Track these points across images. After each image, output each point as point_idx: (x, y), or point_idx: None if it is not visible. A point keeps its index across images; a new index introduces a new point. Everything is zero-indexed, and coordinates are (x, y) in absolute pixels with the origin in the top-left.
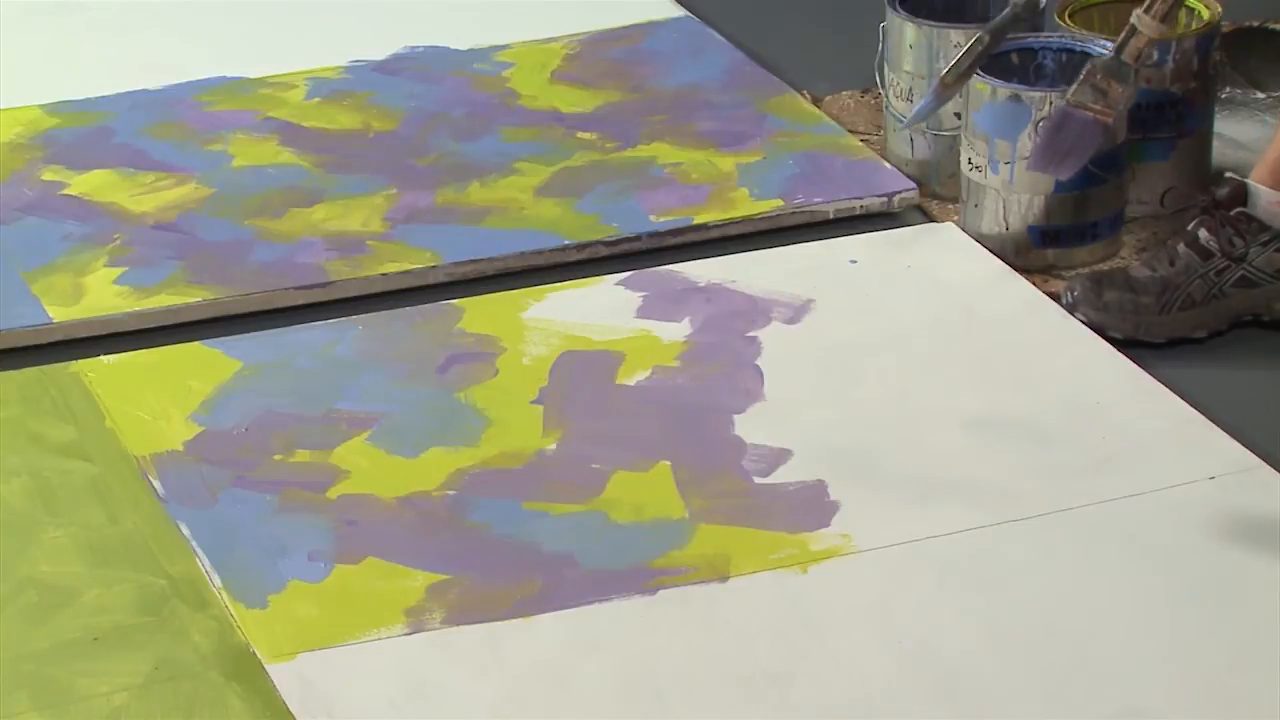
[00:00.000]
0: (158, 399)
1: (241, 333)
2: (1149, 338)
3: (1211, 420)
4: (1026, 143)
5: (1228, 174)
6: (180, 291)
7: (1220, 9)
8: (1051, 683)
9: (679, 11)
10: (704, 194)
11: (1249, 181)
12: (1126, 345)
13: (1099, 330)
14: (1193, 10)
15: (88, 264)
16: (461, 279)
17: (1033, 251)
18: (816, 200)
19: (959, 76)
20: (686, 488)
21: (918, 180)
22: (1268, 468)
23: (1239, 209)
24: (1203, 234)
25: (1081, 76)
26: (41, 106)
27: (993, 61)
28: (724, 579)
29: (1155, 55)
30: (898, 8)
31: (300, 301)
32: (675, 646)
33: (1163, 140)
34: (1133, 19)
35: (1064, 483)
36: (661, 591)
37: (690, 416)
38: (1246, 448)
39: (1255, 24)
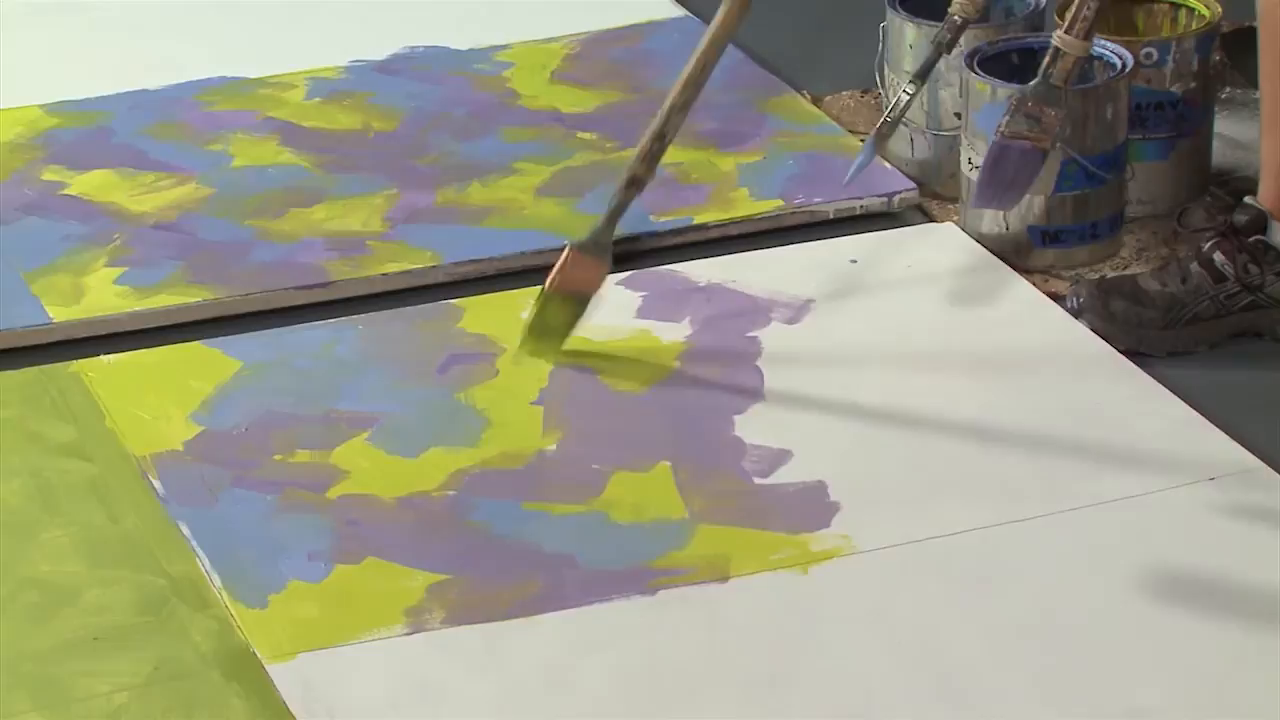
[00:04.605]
0: (158, 399)
1: (241, 333)
2: (1150, 350)
3: (1211, 421)
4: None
5: (1247, 199)
6: (180, 291)
7: (1220, 9)
8: (1051, 683)
9: (679, 11)
10: (704, 194)
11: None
12: (1126, 352)
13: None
14: (1193, 10)
15: (88, 264)
16: (461, 279)
17: (1033, 251)
18: (816, 200)
19: (894, 125)
20: (686, 488)
21: (918, 180)
22: (1268, 469)
23: (1257, 236)
24: (1218, 256)
25: (1013, 106)
26: (41, 106)
27: (993, 61)
28: (724, 579)
29: (1155, 55)
30: (898, 8)
31: (300, 301)
32: (675, 646)
33: (1163, 140)
34: (1054, 40)
35: (1064, 483)
36: (661, 591)
37: (690, 416)
38: (1246, 449)
39: (1255, 24)
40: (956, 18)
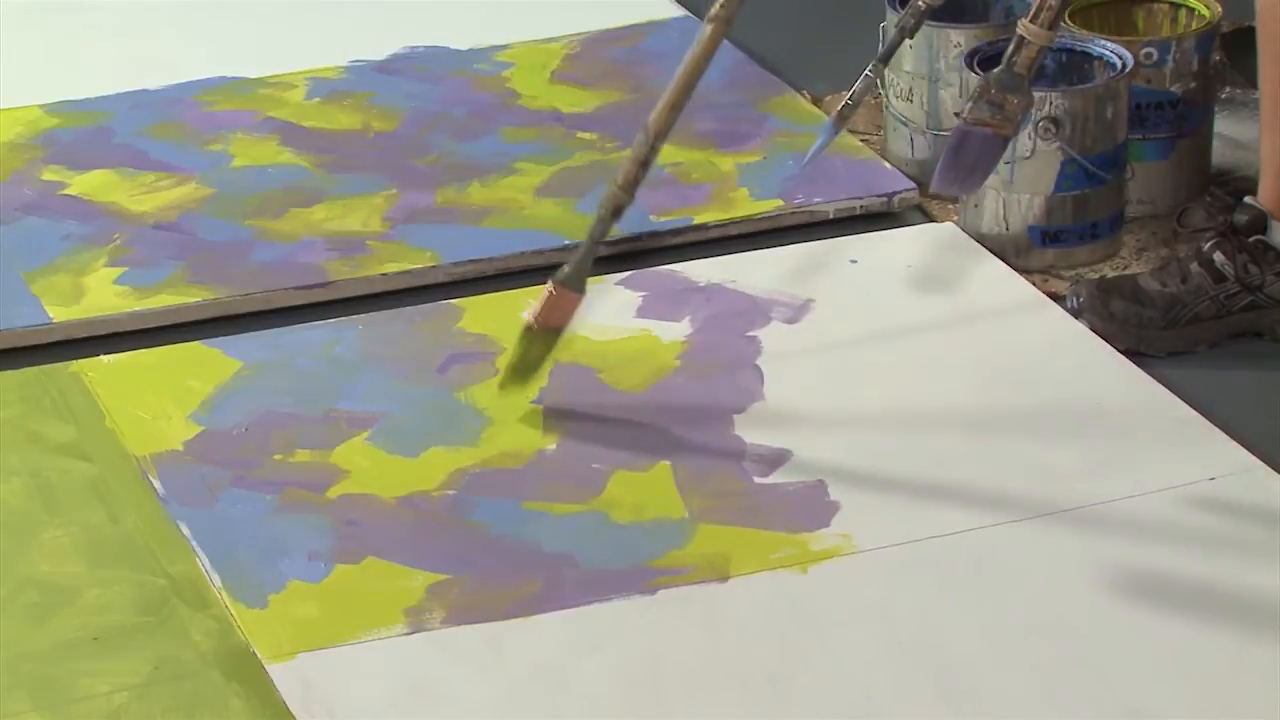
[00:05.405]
0: (158, 399)
1: (241, 333)
2: (1150, 350)
3: (1211, 421)
4: (1026, 142)
5: (1247, 199)
6: (180, 291)
7: (1220, 9)
8: (1051, 683)
9: (679, 11)
10: (704, 194)
11: (1266, 209)
12: (1126, 352)
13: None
14: (1193, 10)
15: (88, 264)
16: (461, 279)
17: (1033, 251)
18: (816, 200)
19: (854, 108)
20: (686, 488)
21: (918, 180)
22: (1267, 469)
23: (1257, 237)
24: (1218, 257)
25: (976, 93)
26: (41, 106)
27: (992, 61)
28: (724, 579)
29: (1155, 55)
30: (898, 8)
31: (300, 301)
32: (675, 646)
33: (1163, 140)
34: (1019, 29)
35: (1064, 483)
36: (661, 591)
37: (690, 416)
38: (1245, 449)
39: (1255, 24)
40: (920, 3)
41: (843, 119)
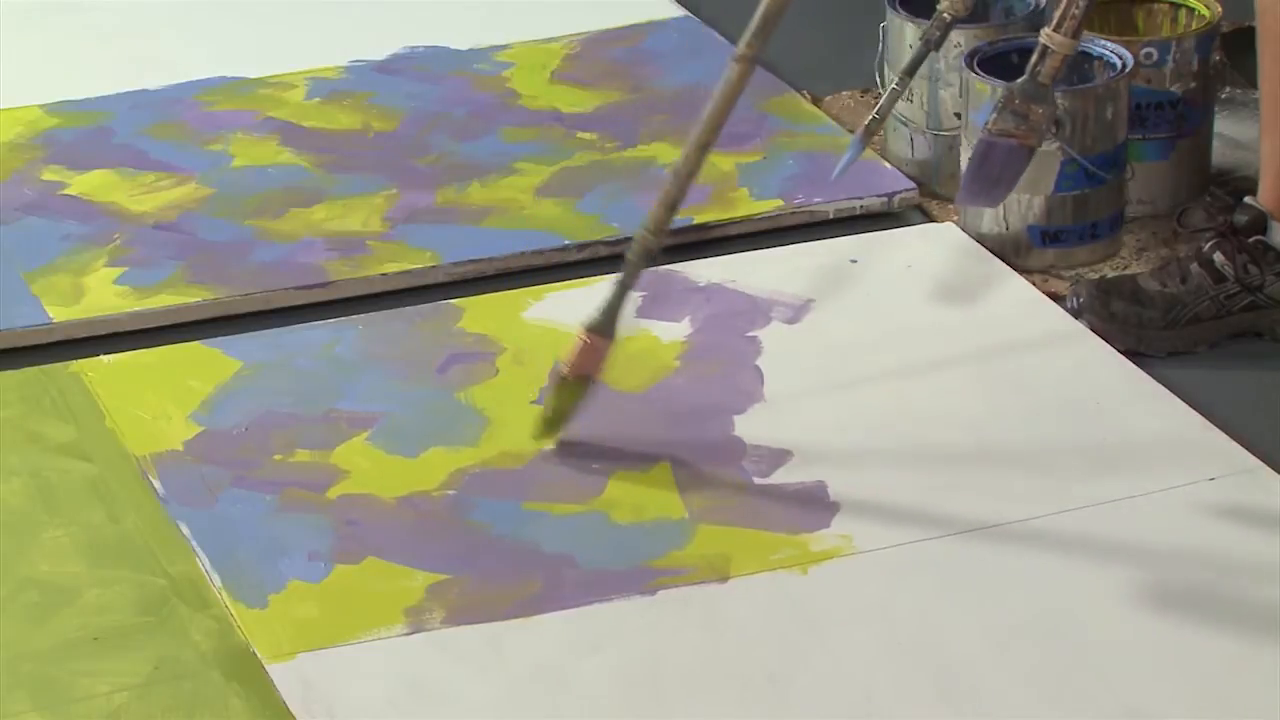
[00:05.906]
0: (158, 399)
1: (241, 333)
2: (1150, 351)
3: (1211, 421)
4: None
5: (1247, 199)
6: (180, 291)
7: (1220, 9)
8: (1051, 683)
9: (679, 11)
10: (704, 194)
11: (1265, 209)
12: (1126, 352)
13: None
14: (1193, 10)
15: (88, 264)
16: (461, 279)
17: (1033, 251)
18: (816, 200)
19: (880, 121)
20: (686, 488)
21: (918, 180)
22: (1267, 469)
23: (1257, 237)
24: (1218, 257)
25: (1000, 104)
26: (41, 106)
27: (992, 61)
28: (724, 579)
29: (1155, 55)
30: (898, 8)
31: (300, 301)
32: (675, 646)
33: (1162, 140)
34: (1042, 38)
35: (1064, 484)
36: (661, 591)
37: (690, 416)
38: (1246, 449)
39: (1255, 24)
40: (945, 15)
41: (869, 133)
